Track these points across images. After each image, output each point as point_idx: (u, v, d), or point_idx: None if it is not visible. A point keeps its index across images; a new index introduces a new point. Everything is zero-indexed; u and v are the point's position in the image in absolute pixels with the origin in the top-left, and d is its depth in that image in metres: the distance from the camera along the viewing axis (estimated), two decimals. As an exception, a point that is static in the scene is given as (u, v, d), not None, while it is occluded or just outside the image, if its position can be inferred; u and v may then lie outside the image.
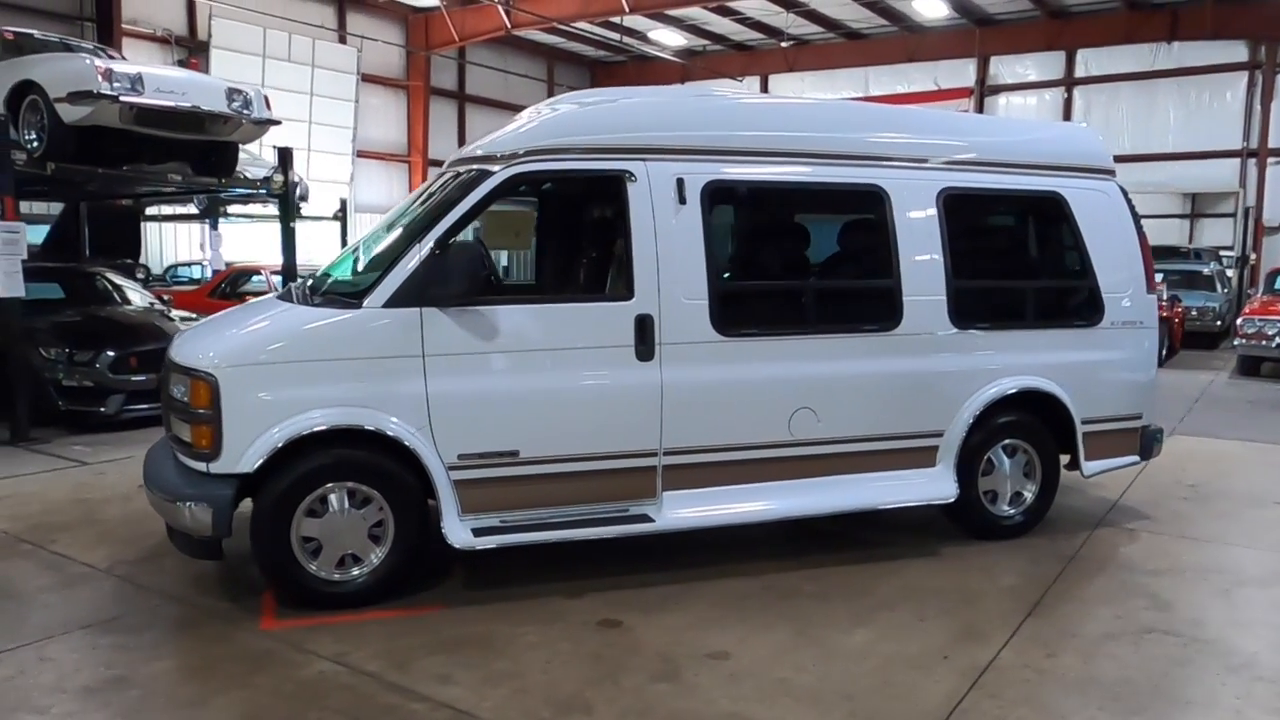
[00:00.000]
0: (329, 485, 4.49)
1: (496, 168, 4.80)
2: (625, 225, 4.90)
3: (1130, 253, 6.01)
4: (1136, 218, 6.10)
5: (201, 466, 4.43)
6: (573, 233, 5.82)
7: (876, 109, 5.94)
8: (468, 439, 4.64)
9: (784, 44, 27.38)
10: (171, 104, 8.98)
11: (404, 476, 4.56)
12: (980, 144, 5.79)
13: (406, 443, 4.51)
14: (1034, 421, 5.80)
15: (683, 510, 5.01)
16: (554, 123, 5.04)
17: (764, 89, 29.41)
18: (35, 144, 8.87)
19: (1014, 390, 5.63)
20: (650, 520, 4.94)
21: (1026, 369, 5.70)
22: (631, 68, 30.75)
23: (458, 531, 4.62)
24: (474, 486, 4.69)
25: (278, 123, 10.26)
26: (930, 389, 5.48)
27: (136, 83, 8.66)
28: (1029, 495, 5.87)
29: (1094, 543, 5.81)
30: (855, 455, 5.37)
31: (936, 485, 5.51)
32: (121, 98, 8.51)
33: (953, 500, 5.49)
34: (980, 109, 26.47)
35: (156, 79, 8.94)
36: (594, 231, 5.54)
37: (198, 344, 4.64)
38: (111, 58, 10.05)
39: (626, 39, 26.95)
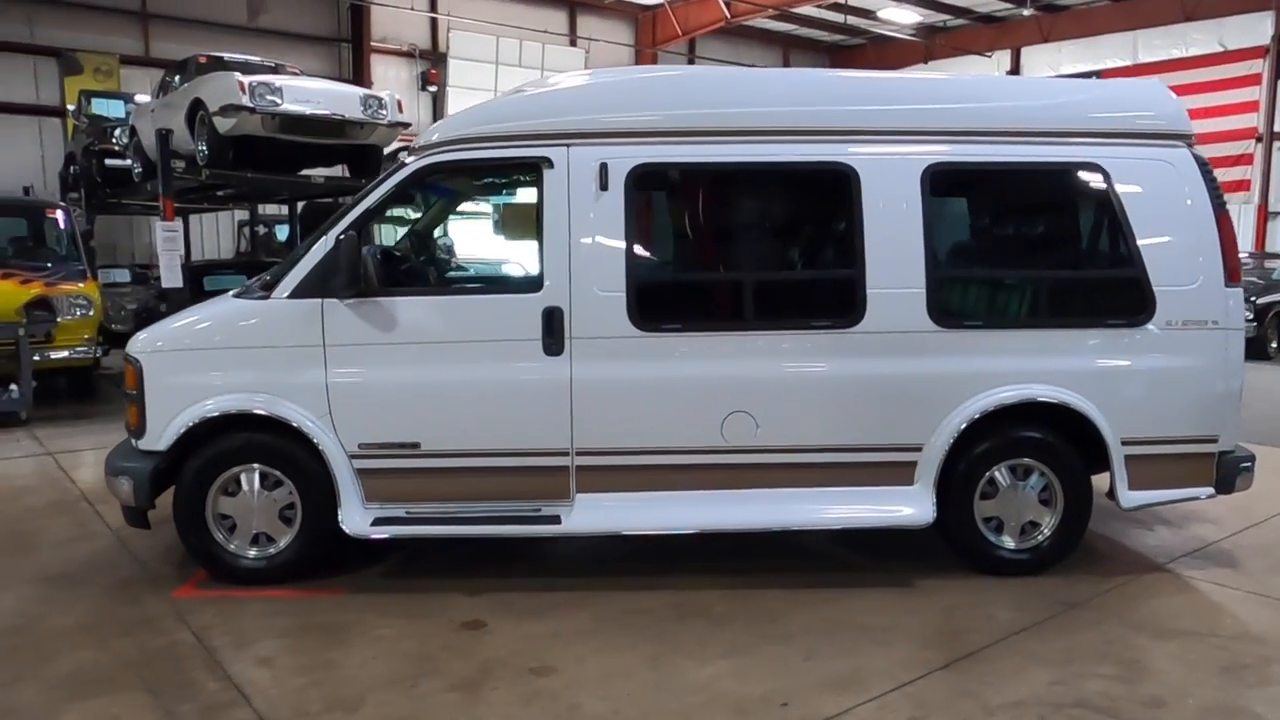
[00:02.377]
0: (241, 467, 4.73)
1: (412, 159, 4.80)
2: (539, 214, 4.71)
3: (1202, 237, 4.84)
4: (1216, 194, 4.90)
5: (134, 444, 4.84)
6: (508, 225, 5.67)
7: (849, 75, 5.23)
8: (368, 429, 4.69)
9: (1033, 12, 24.93)
10: (309, 111, 9.84)
11: (310, 463, 4.70)
12: (987, 110, 4.90)
13: (305, 430, 4.63)
14: (1052, 439, 4.86)
15: (596, 514, 4.73)
16: (474, 111, 4.95)
17: (1015, 64, 26.99)
18: (205, 154, 10.08)
19: (1014, 400, 4.75)
20: (558, 522, 4.72)
21: (1037, 376, 4.78)
22: (871, 50, 29.44)
23: (354, 519, 4.68)
24: (377, 476, 4.73)
25: (408, 125, 10.90)
26: (903, 396, 4.76)
27: (276, 94, 9.57)
28: (1047, 526, 4.94)
29: (1126, 589, 4.77)
30: (807, 467, 4.79)
31: (909, 506, 4.78)
32: (259, 109, 9.43)
33: (927, 524, 4.75)
34: (1278, 73, 22.61)
35: (295, 90, 9.84)
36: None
37: (142, 332, 5.05)
38: (290, 74, 11.20)
39: (857, 20, 25.78)
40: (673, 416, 4.72)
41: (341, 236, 4.54)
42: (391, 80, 22.22)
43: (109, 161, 13.70)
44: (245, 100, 9.40)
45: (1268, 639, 4.20)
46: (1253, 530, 5.75)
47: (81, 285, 9.73)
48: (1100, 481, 4.95)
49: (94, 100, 15.91)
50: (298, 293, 4.65)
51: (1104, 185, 4.84)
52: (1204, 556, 5.29)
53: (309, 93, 9.96)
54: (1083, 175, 4.91)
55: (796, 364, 4.73)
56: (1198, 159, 4.93)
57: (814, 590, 4.73)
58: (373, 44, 22.41)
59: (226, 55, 11.54)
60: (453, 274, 5.54)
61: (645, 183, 4.77)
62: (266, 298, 4.72)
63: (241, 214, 17.30)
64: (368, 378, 4.67)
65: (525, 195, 5.39)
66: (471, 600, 4.61)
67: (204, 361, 4.68)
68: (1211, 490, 4.98)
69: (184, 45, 18.10)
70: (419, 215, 5.69)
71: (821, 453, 4.79)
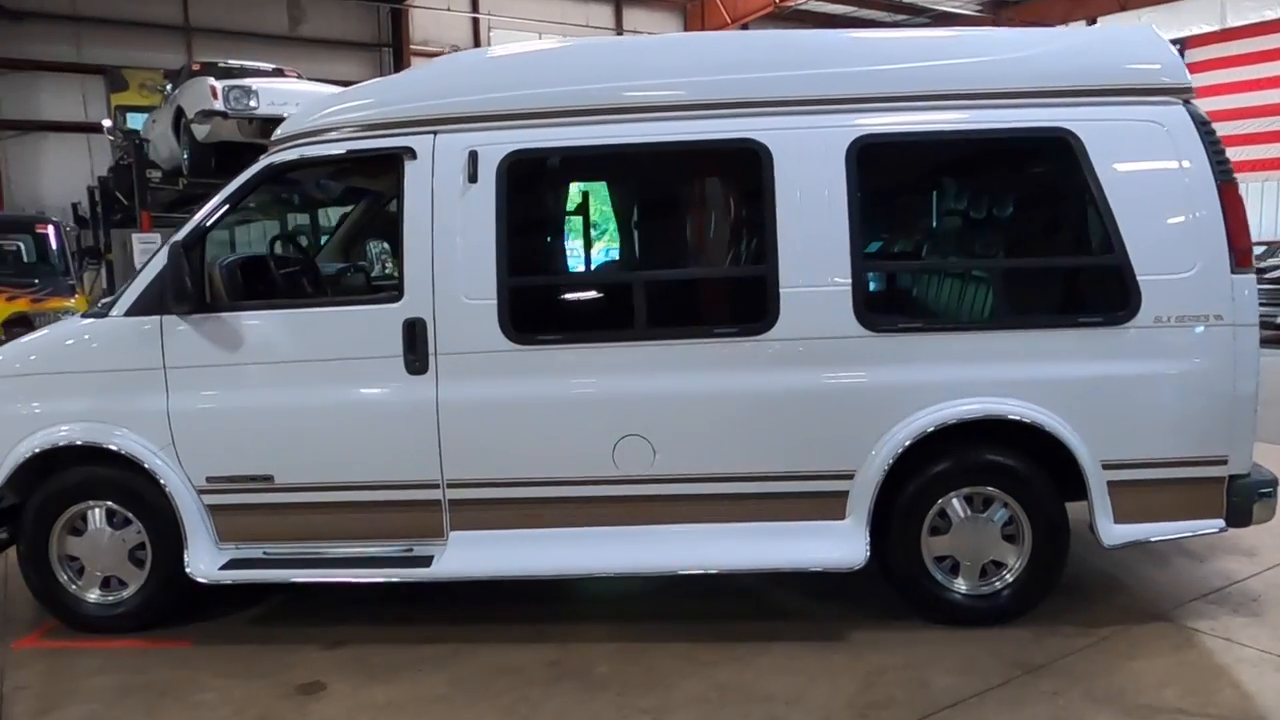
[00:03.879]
0: (90, 503, 4.27)
1: (264, 156, 4.28)
2: (399, 212, 4.12)
3: (1200, 213, 3.94)
4: (1219, 159, 3.99)
5: (-22, 478, 4.42)
6: (370, 228, 5.08)
7: (756, 36, 4.46)
8: (216, 460, 4.17)
9: (1109, -21, 23.27)
10: (287, 115, 9.44)
11: (158, 499, 4.20)
12: (927, 70, 4.08)
13: (145, 462, 4.14)
14: (1015, 462, 4.03)
15: (471, 555, 4.12)
16: (333, 98, 4.41)
17: (1091, 35, 25.23)
18: (187, 161, 9.84)
19: (963, 417, 3.94)
20: (429, 564, 4.12)
21: (992, 387, 3.97)
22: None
23: (201, 562, 4.17)
24: (229, 513, 4.22)
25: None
26: (827, 414, 4.01)
27: (250, 97, 9.24)
28: (1012, 568, 4.11)
29: (1107, 645, 3.91)
30: (715, 500, 4.08)
31: (837, 545, 4.02)
32: (234, 113, 9.11)
33: (857, 567, 3.98)
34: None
35: (271, 93, 9.49)
36: (382, 223, 4.77)
37: None
38: (290, 77, 10.90)
39: (915, -2, 24.52)
40: (556, 442, 4.07)
41: (169, 246, 4.03)
42: (433, 83, 21.99)
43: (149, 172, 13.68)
44: (219, 105, 9.10)
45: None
46: (1294, 565, 4.78)
47: (70, 301, 9.61)
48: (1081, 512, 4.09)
49: (128, 115, 16.05)
50: (135, 309, 4.16)
51: (1075, 153, 3.98)
52: (1221, 600, 4.37)
53: (287, 95, 9.60)
54: (1048, 143, 4.06)
55: (698, 379, 4.01)
56: (1195, 117, 4.03)
57: (722, 645, 4.02)
58: (413, 47, 22.27)
59: (221, 61, 11.31)
60: (314, 285, 4.95)
61: (521, 172, 4.12)
62: (106, 315, 4.25)
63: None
64: (214, 403, 4.15)
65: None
66: (326, 655, 4.05)
67: (35, 389, 4.23)
68: (1221, 523, 4.07)
69: (228, 57, 18.21)
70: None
71: (731, 482, 4.07)
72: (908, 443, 3.95)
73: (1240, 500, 4.03)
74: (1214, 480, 4.03)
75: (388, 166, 4.23)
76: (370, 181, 5.37)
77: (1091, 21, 25.20)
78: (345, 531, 4.21)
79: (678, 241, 4.53)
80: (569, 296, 4.36)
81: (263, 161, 4.24)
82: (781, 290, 3.95)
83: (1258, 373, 4.00)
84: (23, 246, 10.32)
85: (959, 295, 4.14)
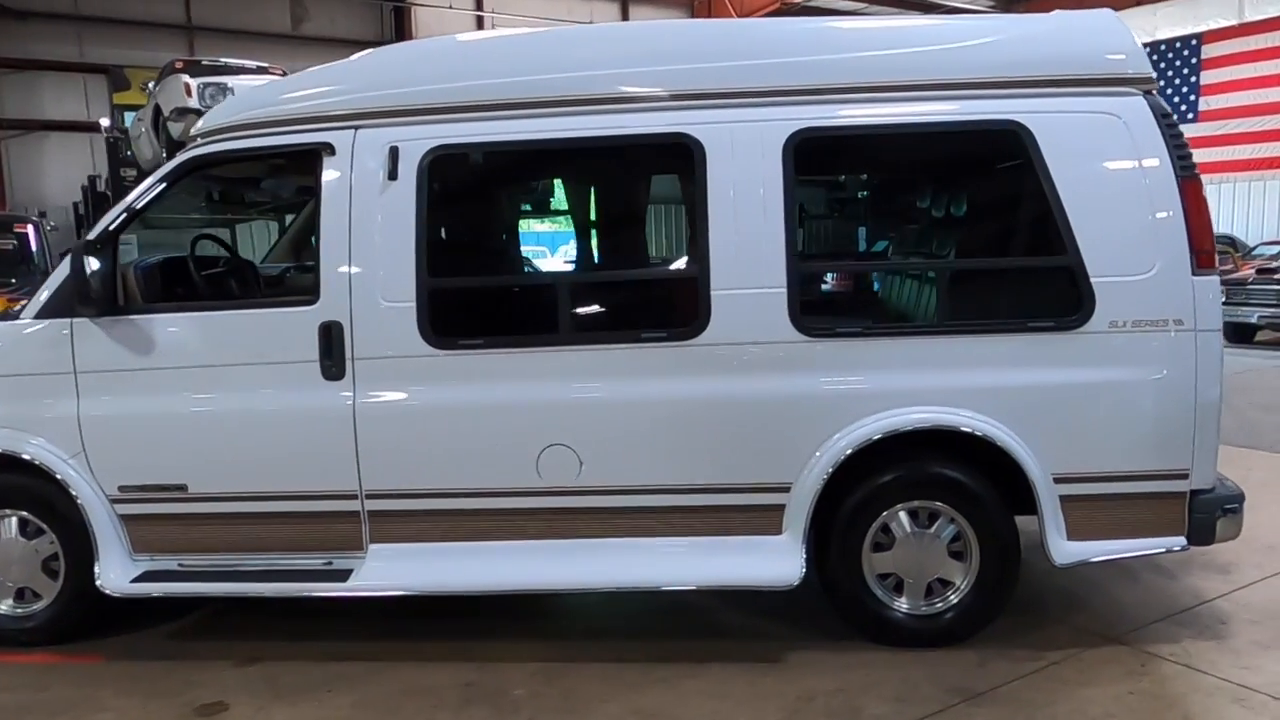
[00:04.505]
0: (5, 511, 4.13)
1: (182, 151, 4.12)
2: (316, 211, 3.95)
3: (1159, 212, 3.70)
4: (1181, 154, 3.74)
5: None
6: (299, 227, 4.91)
7: (692, 24, 4.26)
8: (128, 469, 4.02)
9: (1122, -27, 22.79)
10: (264, 113, 9.32)
11: (70, 508, 4.04)
12: (869, 60, 3.86)
13: (56, 471, 3.99)
14: (961, 475, 3.81)
15: (389, 569, 3.94)
16: (256, 92, 4.23)
17: (1105, 31, 24.75)
18: (167, 159, 9.73)
19: (904, 427, 3.72)
20: (345, 579, 3.94)
21: (935, 395, 3.74)
22: (946, 25, 27.60)
23: (113, 574, 4.01)
24: (143, 523, 4.07)
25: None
26: (761, 423, 3.80)
27: (226, 94, 9.10)
28: (956, 588, 3.89)
29: (1055, 671, 3.68)
30: (645, 513, 3.88)
31: (772, 561, 3.81)
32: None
33: (793, 585, 3.76)
34: None
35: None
36: (302, 222, 4.60)
37: None
38: (275, 74, 10.77)
39: (925, -6, 24.16)
40: (478, 451, 3.88)
41: (73, 246, 3.88)
42: (436, 81, 21.89)
43: (122, 172, 13.65)
44: (193, 103, 8.98)
45: (1218, 757, 3.09)
46: (1270, 583, 4.53)
47: (48, 300, 9.49)
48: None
49: (127, 114, 16.02)
50: (46, 311, 4.01)
51: (1026, 147, 3.75)
52: (1187, 622, 4.12)
53: (264, 92, 9.46)
54: (997, 136, 3.82)
55: (626, 386, 3.81)
56: (1156, 109, 3.78)
57: (651, 666, 3.81)
58: (416, 45, 22.13)
59: (205, 59, 11.21)
60: (245, 286, 4.79)
61: (443, 169, 3.94)
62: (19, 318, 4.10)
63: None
64: (125, 409, 3.99)
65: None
66: (236, 673, 3.88)
67: (-53, 394, 4.09)
68: (1183, 541, 3.82)
69: (229, 56, 18.16)
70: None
71: (662, 495, 3.86)
72: (849, 451, 3.73)
73: (1203, 517, 3.79)
74: (1174, 495, 3.79)
75: (314, 163, 4.06)
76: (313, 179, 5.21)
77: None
78: (263, 543, 4.04)
79: (606, 242, 4.33)
80: (490, 299, 4.17)
81: (180, 157, 4.09)
82: (713, 293, 3.74)
83: (1221, 381, 3.75)
84: (6, 246, 10.27)
85: (901, 298, 3.93)
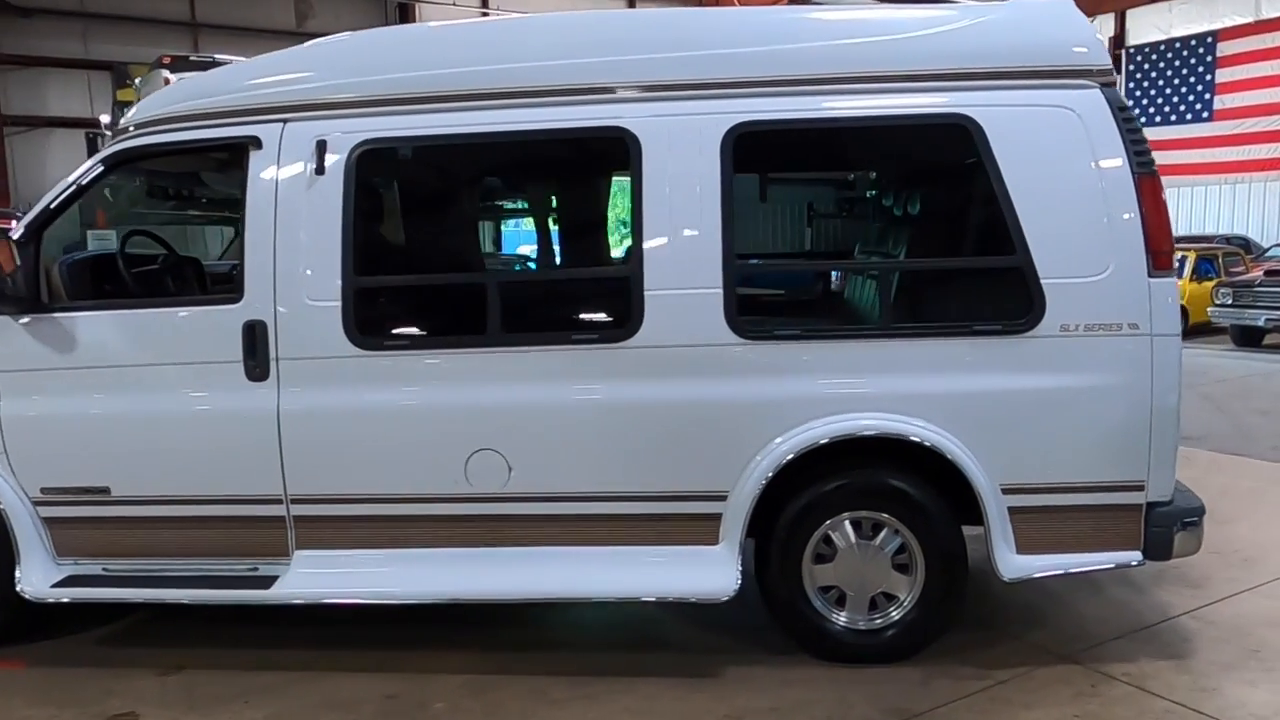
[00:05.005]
0: (-73, 513, 4.03)
1: (108, 143, 4.02)
2: (241, 207, 3.83)
3: (1114, 210, 3.52)
4: (1138, 150, 3.56)
5: None
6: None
7: (625, 14, 4.10)
8: (51, 470, 3.92)
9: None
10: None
11: (-6, 511, 3.95)
12: (812, 51, 3.71)
13: (-26, 471, 3.90)
14: (904, 484, 3.65)
15: (312, 577, 3.82)
16: (183, 85, 4.13)
17: (1119, 28, 24.44)
18: (149, 156, 9.65)
19: (844, 433, 3.56)
20: (268, 585, 3.83)
21: (876, 401, 3.58)
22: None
23: (34, 578, 3.90)
24: (66, 526, 3.96)
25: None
26: (696, 429, 3.65)
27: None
28: (898, 604, 3.73)
29: (1000, 691, 3.51)
30: (577, 521, 3.74)
31: (706, 572, 3.66)
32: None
33: (727, 597, 3.61)
34: None
35: (229, 85, 9.25)
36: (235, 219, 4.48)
37: None
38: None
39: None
40: (404, 456, 3.76)
41: (-8, 241, 3.78)
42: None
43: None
44: (173, 98, 8.87)
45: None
46: (1241, 599, 4.33)
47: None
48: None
49: (125, 110, 16.02)
50: (-37, 307, 3.91)
51: (975, 142, 3.58)
52: (1148, 639, 3.94)
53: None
54: (945, 130, 3.67)
55: (556, 389, 3.67)
56: (1113, 103, 3.60)
57: (581, 681, 3.67)
58: (420, 42, 22.08)
59: (193, 55, 11.16)
60: (181, 283, 4.67)
61: (371, 163, 3.82)
62: (-57, 314, 4.00)
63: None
64: (48, 410, 3.89)
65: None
66: (156, 682, 3.77)
67: None
68: (1138, 556, 3.65)
69: (233, 53, 18.14)
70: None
71: (594, 502, 3.72)
72: (785, 461, 3.58)
73: (1160, 530, 3.62)
74: (1129, 508, 3.62)
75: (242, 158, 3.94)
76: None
77: (1121, 13, 24.43)
78: (188, 548, 3.94)
79: (538, 240, 4.19)
80: (418, 299, 4.03)
81: (105, 150, 3.98)
82: (646, 293, 3.59)
83: (1179, 388, 3.57)
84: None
85: (845, 299, 3.76)
